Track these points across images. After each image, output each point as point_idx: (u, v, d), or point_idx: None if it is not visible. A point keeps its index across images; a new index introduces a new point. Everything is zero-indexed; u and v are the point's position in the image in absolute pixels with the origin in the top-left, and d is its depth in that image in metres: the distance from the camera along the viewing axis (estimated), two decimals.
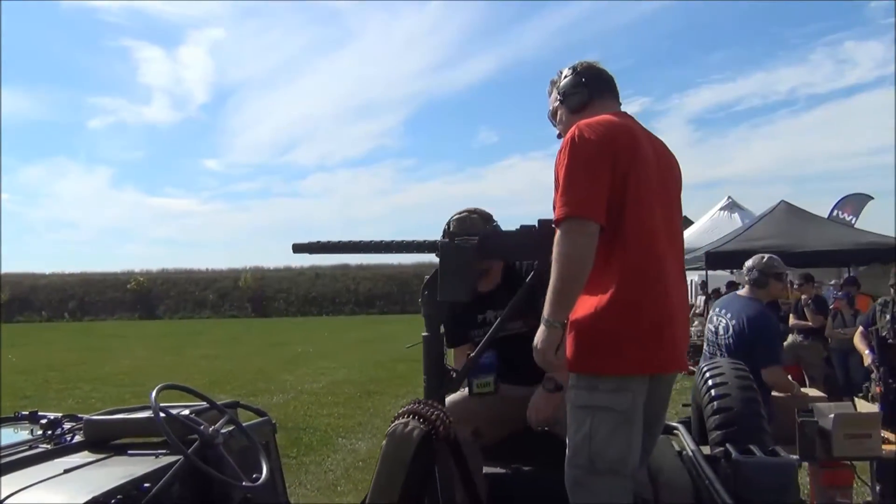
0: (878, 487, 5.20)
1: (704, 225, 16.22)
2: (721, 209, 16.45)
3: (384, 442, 2.05)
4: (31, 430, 3.09)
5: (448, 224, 2.96)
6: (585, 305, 2.14)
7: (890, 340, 5.59)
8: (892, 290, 6.00)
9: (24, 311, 47.27)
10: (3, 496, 2.22)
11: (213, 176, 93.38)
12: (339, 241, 2.56)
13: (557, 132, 2.49)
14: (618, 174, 2.12)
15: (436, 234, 2.57)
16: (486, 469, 2.89)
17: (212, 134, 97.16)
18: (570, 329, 2.15)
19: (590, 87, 2.37)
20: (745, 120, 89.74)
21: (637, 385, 2.11)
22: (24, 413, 3.36)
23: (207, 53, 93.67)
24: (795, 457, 4.13)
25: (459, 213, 2.97)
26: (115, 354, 19.71)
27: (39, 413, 3.29)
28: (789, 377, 5.11)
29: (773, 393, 4.59)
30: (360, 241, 2.55)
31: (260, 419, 3.18)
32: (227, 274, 52.44)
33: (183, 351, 20.79)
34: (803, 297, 9.61)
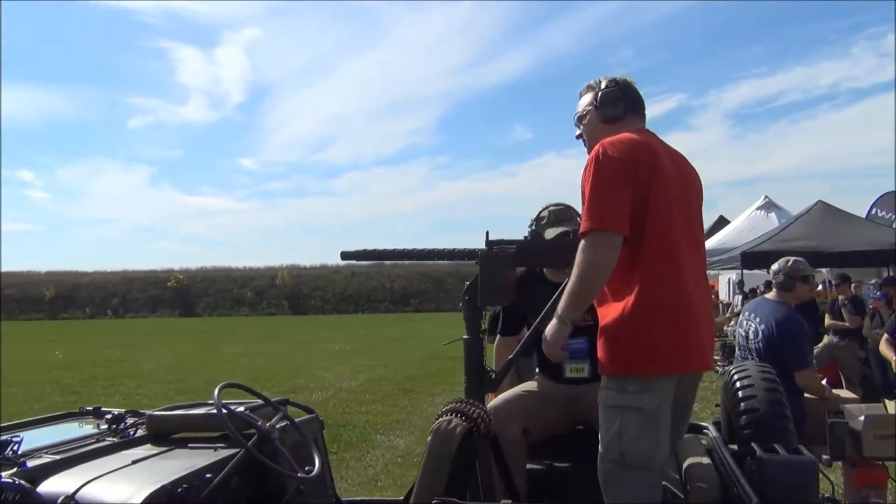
0: None
1: (742, 224, 16.17)
2: (758, 209, 16.38)
3: (429, 438, 2.20)
4: (97, 425, 3.30)
5: (546, 213, 3.13)
6: (612, 312, 2.29)
7: None
8: None
9: (69, 308, 48.44)
10: (79, 484, 2.42)
11: (249, 174, 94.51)
12: (384, 249, 2.74)
13: (578, 133, 2.61)
14: (639, 189, 2.26)
15: (469, 232, 2.76)
16: (528, 465, 3.03)
17: (247, 133, 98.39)
18: (600, 335, 2.31)
19: (626, 104, 2.49)
20: (785, 115, 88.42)
21: (662, 385, 2.25)
22: (88, 408, 3.58)
23: (243, 53, 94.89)
24: (826, 457, 4.22)
25: (556, 205, 3.15)
26: (156, 351, 20.19)
27: (103, 409, 3.52)
28: (823, 380, 5.16)
29: (806, 395, 4.67)
30: (404, 249, 2.72)
31: (308, 416, 3.36)
32: (264, 272, 53.18)
33: (222, 348, 21.18)
34: (840, 297, 9.57)
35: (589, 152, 2.43)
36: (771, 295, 4.84)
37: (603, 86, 2.52)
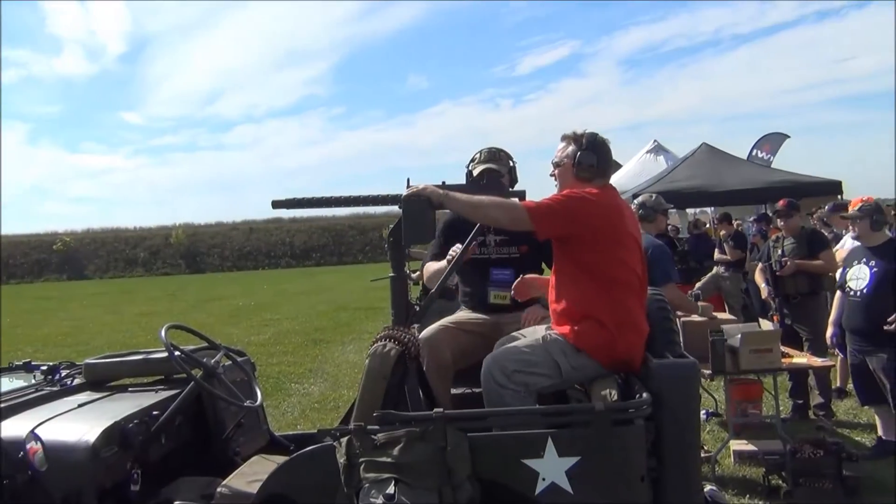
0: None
1: (633, 168, 16.84)
2: (647, 152, 17.11)
3: (366, 360, 2.47)
4: (33, 377, 3.41)
5: (479, 153, 3.53)
6: (595, 309, 2.77)
7: (777, 273, 6.24)
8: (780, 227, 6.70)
9: None
10: (34, 425, 2.59)
11: (135, 130, 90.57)
12: (315, 197, 2.95)
13: (552, 172, 3.02)
14: (600, 240, 2.75)
15: (374, 182, 3.02)
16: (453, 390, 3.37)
17: (130, 86, 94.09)
18: (577, 314, 2.79)
19: (598, 169, 2.90)
20: (672, 60, 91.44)
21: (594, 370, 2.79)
22: (17, 363, 3.67)
23: (121, 1, 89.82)
24: (708, 372, 4.73)
25: (490, 147, 3.55)
26: (51, 316, 19.56)
27: (33, 362, 3.62)
28: (690, 297, 5.71)
29: (689, 319, 5.15)
30: (332, 196, 2.94)
31: (241, 358, 3.57)
32: (157, 231, 51.60)
33: (121, 309, 20.69)
34: (722, 233, 10.35)
35: (558, 191, 2.93)
36: None
37: (584, 144, 2.91)
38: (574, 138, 2.94)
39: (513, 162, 3.53)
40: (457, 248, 3.23)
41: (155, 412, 2.79)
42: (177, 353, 2.88)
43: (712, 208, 14.54)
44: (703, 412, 5.74)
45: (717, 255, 10.25)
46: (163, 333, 2.82)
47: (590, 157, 2.87)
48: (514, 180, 3.54)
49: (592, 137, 2.92)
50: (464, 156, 3.56)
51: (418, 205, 2.69)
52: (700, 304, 5.50)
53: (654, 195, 5.60)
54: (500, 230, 3.46)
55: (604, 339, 2.69)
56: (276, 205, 2.99)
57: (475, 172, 3.46)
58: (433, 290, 3.06)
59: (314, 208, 2.98)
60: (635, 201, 5.49)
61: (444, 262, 3.35)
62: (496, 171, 3.43)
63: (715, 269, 10.13)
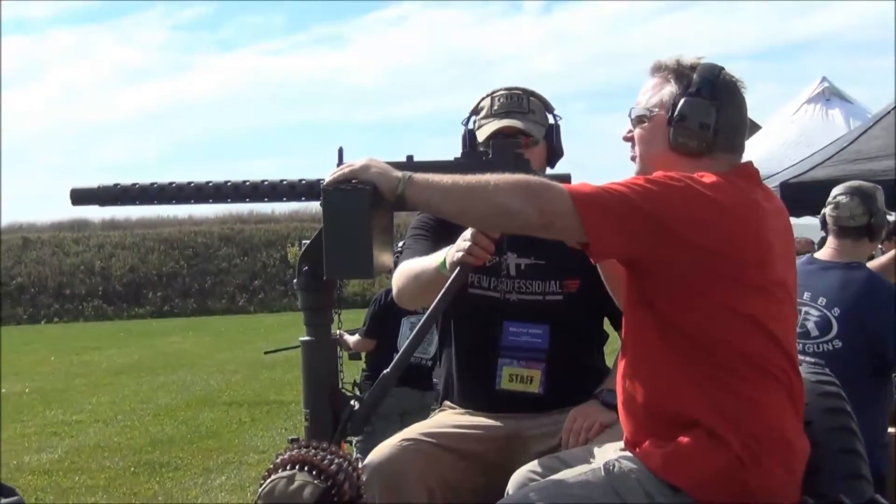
0: None
1: (783, 129, 16.53)
2: (809, 101, 16.90)
3: None
4: None
5: (488, 100, 3.56)
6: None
7: None
8: None
9: None
10: None
11: None
12: (152, 184, 2.92)
13: (629, 134, 3.03)
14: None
15: (261, 157, 2.97)
16: None
17: None
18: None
19: (717, 136, 2.86)
20: None
21: None
22: None
23: None
24: None
25: (507, 89, 3.55)
26: None
27: None
28: None
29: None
30: (189, 183, 2.91)
31: (9, 500, 3.56)
32: None
33: None
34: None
35: (639, 171, 2.93)
36: (829, 253, 5.15)
37: (694, 85, 2.86)
38: (676, 72, 2.92)
39: (555, 117, 3.59)
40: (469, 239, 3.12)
41: None
42: None
43: None
44: None
45: None
46: None
47: (703, 108, 2.84)
48: (554, 151, 3.59)
49: (712, 73, 2.89)
50: (442, 106, 3.58)
51: (355, 201, 2.69)
52: None
53: (878, 187, 5.18)
54: (525, 244, 3.47)
55: (722, 468, 2.71)
56: (79, 197, 2.98)
57: (483, 135, 3.47)
58: (391, 368, 3.02)
59: (151, 205, 2.97)
60: (836, 197, 5.14)
61: (433, 259, 3.34)
62: (523, 132, 3.44)
63: None
